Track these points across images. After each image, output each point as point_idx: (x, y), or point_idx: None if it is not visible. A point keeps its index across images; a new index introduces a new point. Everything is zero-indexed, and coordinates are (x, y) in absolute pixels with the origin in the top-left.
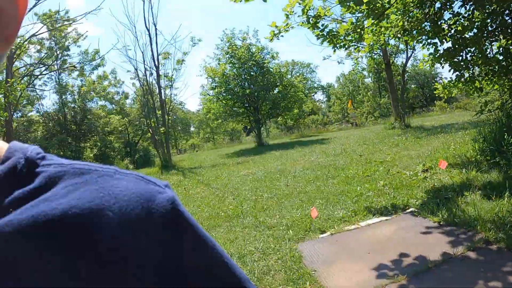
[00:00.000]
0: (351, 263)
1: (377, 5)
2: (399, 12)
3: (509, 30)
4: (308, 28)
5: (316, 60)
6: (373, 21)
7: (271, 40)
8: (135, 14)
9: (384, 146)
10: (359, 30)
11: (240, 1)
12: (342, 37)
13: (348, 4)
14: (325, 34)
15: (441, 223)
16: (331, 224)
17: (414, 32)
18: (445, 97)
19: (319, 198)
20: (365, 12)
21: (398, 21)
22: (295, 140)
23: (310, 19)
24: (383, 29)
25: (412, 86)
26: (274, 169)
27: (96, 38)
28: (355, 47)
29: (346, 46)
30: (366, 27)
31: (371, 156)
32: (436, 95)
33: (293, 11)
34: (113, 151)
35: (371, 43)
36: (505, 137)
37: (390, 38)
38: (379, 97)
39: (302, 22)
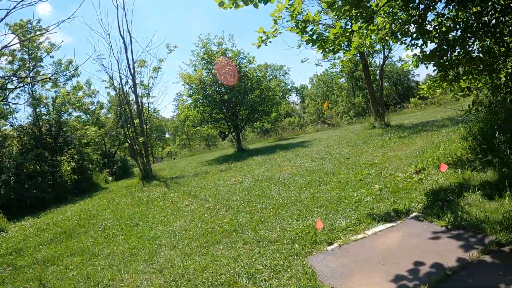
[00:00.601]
0: (367, 276)
1: (369, 9)
2: (386, 14)
3: (492, 30)
4: (297, 33)
5: (289, 62)
6: (360, 24)
7: (259, 46)
8: (109, 22)
9: (369, 147)
10: (347, 34)
11: (231, 8)
12: (331, 41)
13: (342, 8)
14: (315, 39)
15: (449, 227)
16: (337, 235)
17: (399, 34)
18: (429, 96)
19: (316, 207)
20: (353, 16)
21: (385, 23)
22: (274, 143)
23: (299, 23)
24: (369, 31)
25: (385, 84)
26: (261, 177)
27: (68, 47)
28: (345, 51)
29: (335, 50)
30: (356, 31)
31: (358, 159)
32: (421, 94)
33: (281, 16)
34: (91, 163)
35: (357, 46)
36: (496, 135)
37: (375, 41)
38: (353, 97)
39: (291, 27)
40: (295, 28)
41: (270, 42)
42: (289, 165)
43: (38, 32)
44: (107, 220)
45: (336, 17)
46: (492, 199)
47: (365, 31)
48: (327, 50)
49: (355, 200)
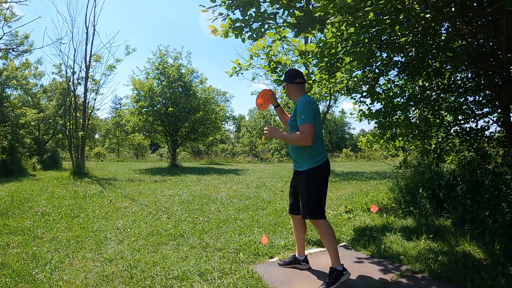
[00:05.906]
0: (306, 284)
1: (337, 64)
2: (345, 71)
3: (432, 103)
4: (267, 71)
5: (231, 90)
6: (323, 76)
7: (231, 75)
8: (77, 8)
9: None
10: (310, 81)
11: (221, 37)
12: None
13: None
14: (282, 80)
15: (372, 255)
16: (277, 251)
17: (351, 90)
18: (366, 149)
19: (256, 227)
20: (318, 67)
21: (343, 79)
22: (206, 166)
23: (271, 63)
24: (328, 83)
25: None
26: (199, 193)
27: (23, 20)
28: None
29: None
30: (318, 81)
31: None
32: (359, 146)
33: (257, 53)
34: (23, 146)
35: (313, 93)
36: (420, 191)
37: (331, 92)
38: None
39: (263, 65)
40: (267, 66)
41: (242, 73)
42: (225, 188)
43: None
44: (43, 206)
45: (303, 64)
46: (410, 240)
47: (325, 82)
48: None
49: (291, 226)
